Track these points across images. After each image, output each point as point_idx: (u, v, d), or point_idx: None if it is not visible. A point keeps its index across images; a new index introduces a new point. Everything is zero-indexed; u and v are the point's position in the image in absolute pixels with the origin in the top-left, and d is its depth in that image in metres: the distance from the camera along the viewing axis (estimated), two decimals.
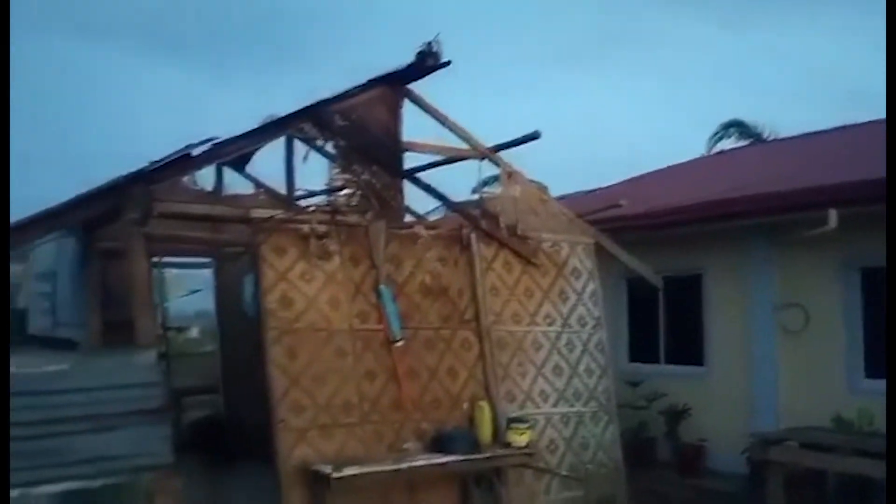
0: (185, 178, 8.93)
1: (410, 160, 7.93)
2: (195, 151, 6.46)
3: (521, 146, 7.96)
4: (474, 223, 7.82)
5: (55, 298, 8.40)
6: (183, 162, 6.48)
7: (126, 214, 6.26)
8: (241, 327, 9.31)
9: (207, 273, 11.97)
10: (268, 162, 8.69)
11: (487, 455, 6.97)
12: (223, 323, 11.12)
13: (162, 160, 6.39)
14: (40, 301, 9.06)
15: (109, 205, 6.29)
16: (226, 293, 10.63)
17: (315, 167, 8.24)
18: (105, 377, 5.78)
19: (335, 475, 6.07)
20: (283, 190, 8.95)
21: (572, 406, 8.08)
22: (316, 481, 6.31)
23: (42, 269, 8.95)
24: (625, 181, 13.40)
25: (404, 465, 6.46)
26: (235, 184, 8.97)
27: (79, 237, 7.57)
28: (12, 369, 5.42)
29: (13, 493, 5.24)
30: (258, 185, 9.31)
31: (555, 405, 7.96)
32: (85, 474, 5.53)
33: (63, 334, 7.85)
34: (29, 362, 5.54)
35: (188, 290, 18.69)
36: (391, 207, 7.44)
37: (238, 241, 6.96)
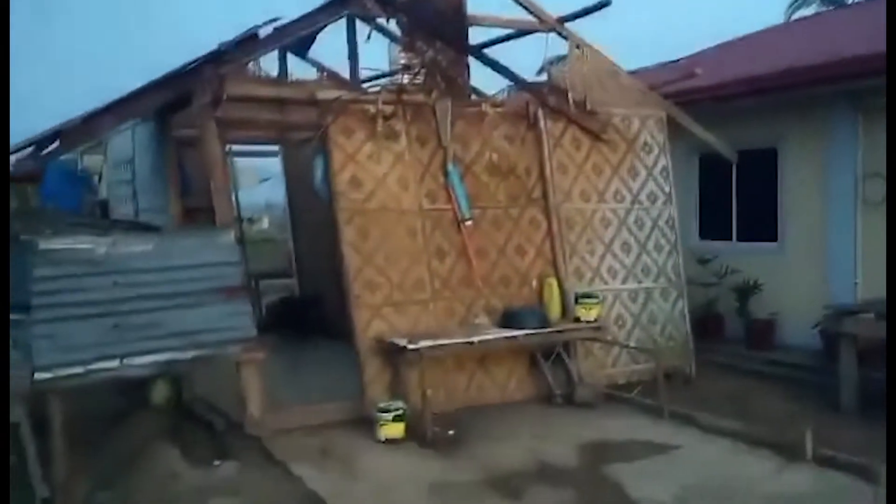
0: (251, 65, 8.99)
1: (476, 36, 7.73)
2: (261, 33, 6.45)
3: (591, 16, 7.62)
4: (542, 99, 7.65)
5: (135, 185, 8.71)
6: (250, 43, 6.46)
7: (198, 98, 6.35)
8: (311, 212, 9.52)
9: (274, 164, 12.18)
10: (329, 48, 8.58)
11: (557, 329, 7.10)
12: (293, 208, 11.38)
13: (229, 42, 6.40)
14: (120, 188, 9.42)
15: (181, 90, 6.37)
16: (295, 179, 10.82)
17: (376, 52, 8.13)
18: (189, 256, 6.05)
19: (410, 347, 6.30)
20: (346, 74, 8.88)
21: (641, 282, 8.10)
22: (391, 354, 6.58)
23: (120, 157, 9.25)
24: (699, 52, 12.76)
25: (476, 339, 6.65)
26: (298, 70, 8.91)
27: (154, 124, 7.74)
28: (104, 250, 5.74)
29: (113, 363, 5.67)
30: (321, 69, 9.24)
31: (623, 282, 8.00)
32: (177, 347, 5.89)
33: (145, 219, 8.18)
34: (118, 242, 5.81)
35: (258, 180, 19.09)
36: (457, 85, 7.33)
37: (306, 124, 6.99)
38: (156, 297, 5.86)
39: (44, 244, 5.53)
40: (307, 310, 10.56)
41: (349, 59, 8.64)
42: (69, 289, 5.58)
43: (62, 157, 7.45)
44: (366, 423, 6.29)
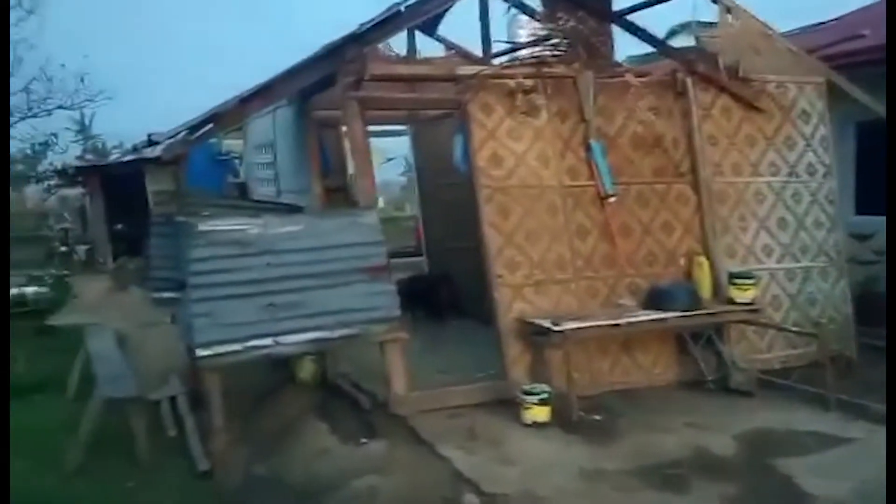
0: (380, 45, 9.02)
1: (619, 1, 7.38)
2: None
3: None
4: (690, 67, 7.22)
5: (276, 167, 8.94)
6: (392, 22, 6.40)
7: (341, 78, 6.36)
8: (443, 190, 9.46)
9: (395, 144, 12.22)
10: (453, 25, 8.41)
11: (710, 311, 6.73)
12: (423, 187, 11.37)
13: (371, 21, 6.36)
14: (260, 170, 9.69)
15: (326, 71, 6.40)
16: (426, 158, 10.79)
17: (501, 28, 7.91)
18: (336, 237, 6.09)
19: (555, 329, 6.12)
20: (472, 50, 8.70)
21: (798, 261, 7.56)
22: (535, 334, 6.42)
23: (260, 140, 9.50)
24: (862, 9, 11.67)
25: (623, 321, 6.39)
26: (426, 48, 8.82)
27: (295, 107, 7.87)
28: (256, 231, 5.87)
29: (267, 341, 5.81)
30: (450, 46, 9.11)
31: (779, 261, 7.48)
32: (325, 325, 5.98)
33: (287, 200, 8.36)
34: (269, 224, 5.92)
35: (383, 160, 19.38)
36: (600, 55, 7.02)
37: (442, 102, 6.89)
38: (305, 276, 5.94)
39: (201, 226, 5.71)
40: (437, 289, 10.53)
41: (482, 32, 8.48)
42: (225, 269, 5.74)
43: (208, 141, 7.74)
44: (509, 405, 6.17)
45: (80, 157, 22.27)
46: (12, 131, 19.10)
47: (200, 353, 5.64)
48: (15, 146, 22.56)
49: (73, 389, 7.35)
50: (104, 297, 8.64)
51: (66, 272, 9.24)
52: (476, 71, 6.69)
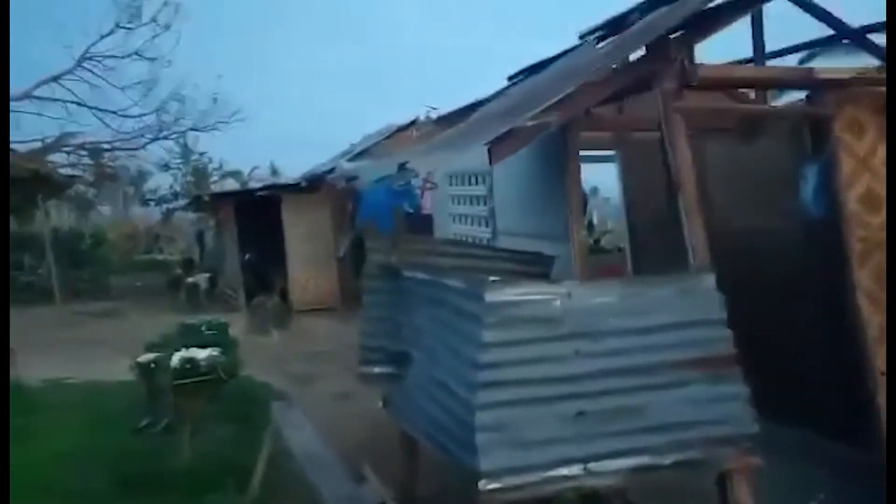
0: None
1: None
2: None
3: None
4: None
5: (492, 201, 7.10)
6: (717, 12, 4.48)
7: (660, 83, 4.46)
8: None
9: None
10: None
11: None
12: (638, 229, 9.31)
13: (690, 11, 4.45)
14: (461, 205, 7.89)
15: (637, 74, 4.51)
16: (643, 189, 8.75)
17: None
18: (662, 312, 4.14)
19: None
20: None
21: None
22: None
23: (461, 167, 7.69)
24: None
25: None
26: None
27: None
28: (559, 303, 3.97)
29: (575, 468, 3.90)
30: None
31: None
32: (652, 446, 4.01)
33: (510, 245, 6.49)
34: (575, 292, 4.01)
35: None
36: None
37: (789, 114, 4.89)
38: (625, 372, 4.01)
39: (490, 294, 3.85)
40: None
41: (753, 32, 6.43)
42: (523, 360, 3.87)
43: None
44: None
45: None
46: (143, 152, 18.36)
47: (487, 485, 3.76)
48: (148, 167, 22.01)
49: (258, 486, 5.63)
50: None
51: (224, 321, 7.54)
52: (849, 75, 4.66)
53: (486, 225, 7.24)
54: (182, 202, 24.23)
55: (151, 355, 6.06)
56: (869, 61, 5.09)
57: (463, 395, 3.94)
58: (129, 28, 18.54)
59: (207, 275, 18.97)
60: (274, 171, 33.57)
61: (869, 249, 4.59)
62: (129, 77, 18.70)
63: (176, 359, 5.89)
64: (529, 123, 3.95)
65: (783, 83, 4.81)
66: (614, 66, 4.30)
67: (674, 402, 4.06)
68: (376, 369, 5.51)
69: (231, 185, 30.32)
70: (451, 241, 6.88)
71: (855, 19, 6.11)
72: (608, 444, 3.94)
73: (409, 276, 5.12)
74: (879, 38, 5.87)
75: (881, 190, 4.65)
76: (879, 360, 4.51)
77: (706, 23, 4.47)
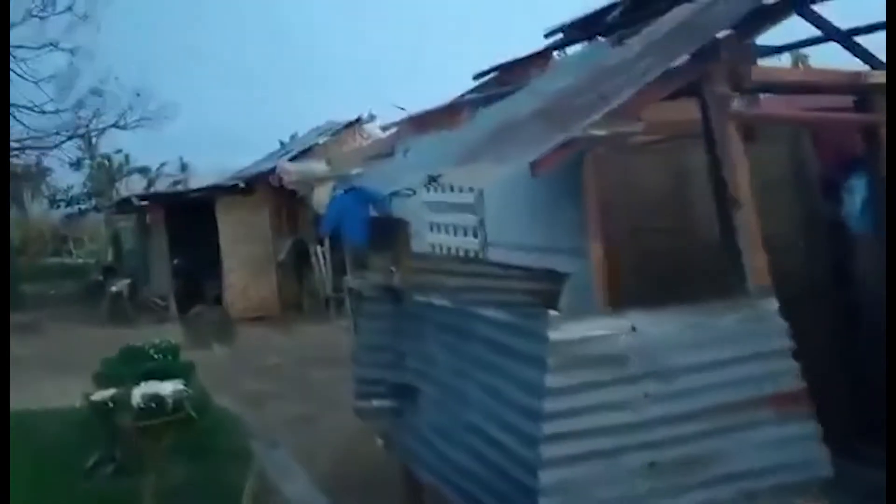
0: None
1: None
2: None
3: None
4: None
5: (481, 211, 6.54)
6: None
7: (711, 87, 3.99)
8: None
9: None
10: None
11: None
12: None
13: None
14: (440, 213, 7.29)
15: (688, 78, 4.01)
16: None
17: None
18: (730, 344, 3.68)
19: None
20: None
21: None
22: None
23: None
24: None
25: None
26: None
27: None
28: (622, 337, 3.44)
29: None
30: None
31: None
32: (721, 498, 3.55)
33: (499, 258, 5.94)
34: (641, 325, 3.48)
35: None
36: None
37: (843, 123, 4.52)
38: (694, 415, 3.53)
39: (556, 332, 3.28)
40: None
41: None
42: (591, 407, 3.33)
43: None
44: None
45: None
46: (58, 152, 16.93)
47: None
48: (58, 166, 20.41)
49: None
50: None
51: (175, 344, 6.76)
52: None
53: (475, 236, 6.68)
54: (94, 202, 22.63)
55: (107, 392, 5.21)
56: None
57: (518, 450, 3.37)
58: (41, 17, 17.03)
59: (127, 281, 17.71)
60: (183, 168, 31.88)
61: None
62: (46, 70, 17.22)
63: (137, 395, 5.09)
64: (595, 132, 3.41)
65: (831, 87, 4.43)
66: (667, 68, 3.80)
67: (744, 446, 3.60)
68: (375, 403, 4.88)
69: (137, 182, 28.65)
70: (455, 258, 6.27)
71: (843, 20, 5.89)
72: (679, 499, 3.46)
73: (419, 300, 4.50)
74: (866, 40, 5.66)
75: None
76: None
77: (758, 20, 4.04)
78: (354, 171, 8.98)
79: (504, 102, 5.04)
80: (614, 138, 3.59)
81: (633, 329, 3.48)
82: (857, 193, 4.42)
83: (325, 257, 14.18)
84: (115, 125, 17.15)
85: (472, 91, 8.32)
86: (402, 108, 8.29)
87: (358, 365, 4.92)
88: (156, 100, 19.42)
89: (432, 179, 3.81)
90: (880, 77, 4.35)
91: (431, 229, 7.44)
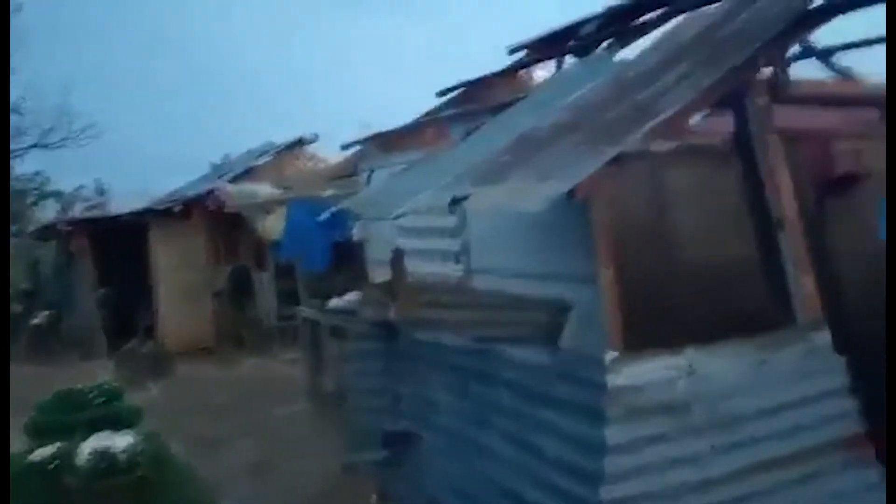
0: None
1: None
2: None
3: None
4: None
5: (466, 235, 6.02)
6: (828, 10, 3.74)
7: (751, 97, 3.63)
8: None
9: None
10: None
11: None
12: None
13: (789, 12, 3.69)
14: (414, 237, 6.74)
15: (728, 87, 3.63)
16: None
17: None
18: (791, 384, 3.28)
19: None
20: None
21: None
22: None
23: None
24: None
25: None
26: None
27: None
28: (683, 383, 2.99)
29: None
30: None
31: None
32: None
33: (493, 287, 5.43)
34: (699, 367, 3.04)
35: None
36: None
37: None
38: (764, 466, 3.11)
39: (615, 376, 2.80)
40: None
41: None
42: (654, 465, 2.85)
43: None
44: None
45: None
46: None
47: None
48: None
49: None
50: None
51: (119, 386, 6.03)
52: None
53: (456, 262, 6.15)
54: (14, 227, 21.12)
55: (48, 449, 4.44)
56: None
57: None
58: None
59: (47, 312, 16.42)
60: (101, 192, 30.24)
61: None
62: None
63: (85, 451, 4.37)
64: (646, 147, 2.98)
65: (865, 100, 4.16)
66: (713, 81, 3.41)
67: (809, 499, 3.21)
68: (367, 456, 4.30)
69: (51, 206, 26.99)
70: (451, 287, 5.72)
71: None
72: None
73: (422, 338, 3.97)
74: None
75: None
76: None
77: (798, 28, 3.71)
78: (326, 193, 8.38)
79: (504, 118, 4.59)
80: (664, 153, 3.17)
81: (692, 369, 3.04)
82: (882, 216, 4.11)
83: (269, 285, 13.40)
84: (36, 145, 15.97)
85: (440, 109, 7.87)
86: (367, 126, 7.76)
87: (349, 411, 4.34)
88: (80, 119, 18.26)
89: (457, 201, 3.29)
90: None
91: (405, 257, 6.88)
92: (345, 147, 8.50)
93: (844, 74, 5.41)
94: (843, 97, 4.08)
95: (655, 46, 4.35)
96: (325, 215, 5.82)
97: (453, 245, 6.21)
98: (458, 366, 3.70)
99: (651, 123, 3.07)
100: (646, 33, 5.91)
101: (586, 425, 2.85)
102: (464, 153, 4.40)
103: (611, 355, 2.87)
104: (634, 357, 2.95)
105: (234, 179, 14.74)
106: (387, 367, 4.19)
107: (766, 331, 3.39)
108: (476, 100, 7.78)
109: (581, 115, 3.71)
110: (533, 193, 2.90)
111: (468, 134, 5.12)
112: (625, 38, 5.97)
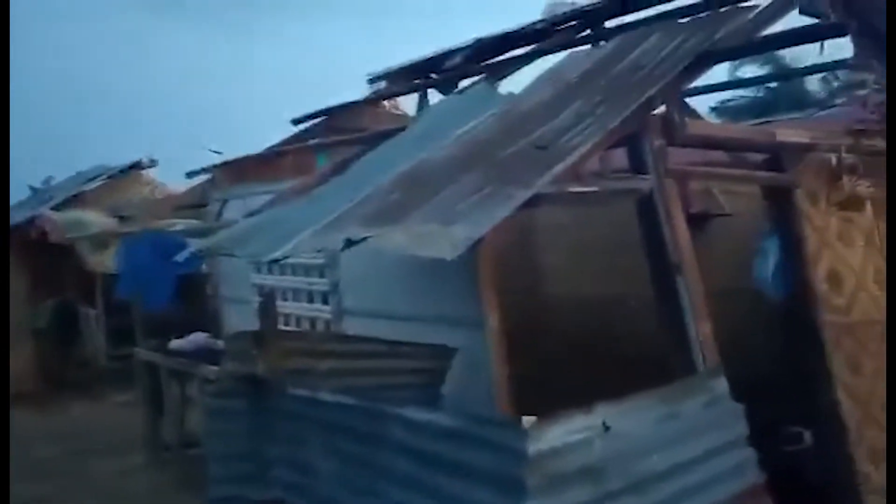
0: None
1: None
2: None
3: None
4: None
5: (336, 273, 5.61)
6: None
7: (649, 139, 3.53)
8: None
9: None
10: None
11: None
12: None
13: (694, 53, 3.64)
14: (274, 275, 6.24)
15: (627, 130, 3.50)
16: None
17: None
18: (696, 435, 3.14)
19: None
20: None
21: None
22: None
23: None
24: None
25: None
26: None
27: None
28: (597, 441, 2.74)
29: None
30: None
31: None
32: None
33: (362, 329, 5.06)
34: (604, 422, 2.80)
35: None
36: None
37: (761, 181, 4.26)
38: None
39: (536, 442, 2.50)
40: None
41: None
42: None
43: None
44: None
45: None
46: None
47: None
48: None
49: None
50: None
51: None
52: (807, 140, 4.17)
53: (325, 302, 5.72)
54: None
55: None
56: None
57: None
58: None
59: None
60: None
61: (837, 335, 4.08)
62: None
63: None
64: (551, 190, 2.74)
65: (752, 145, 4.20)
66: (619, 121, 3.26)
67: None
68: None
69: None
70: (334, 335, 5.22)
71: None
72: None
73: (296, 394, 3.51)
74: None
75: (842, 268, 4.21)
76: (860, 461, 3.98)
77: (694, 68, 3.66)
78: (173, 225, 7.61)
79: (383, 150, 4.26)
80: (567, 196, 2.95)
81: (606, 427, 2.81)
82: (770, 256, 4.16)
83: (98, 322, 12.19)
84: None
85: (300, 136, 7.44)
86: (218, 153, 7.18)
87: (210, 482, 3.77)
88: None
89: (352, 243, 2.90)
90: (792, 135, 4.18)
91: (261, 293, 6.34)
92: (190, 174, 7.85)
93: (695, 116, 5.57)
94: (730, 140, 4.10)
95: (545, 81, 4.20)
96: (182, 255, 5.20)
97: (322, 285, 5.79)
98: (339, 425, 3.28)
99: (561, 165, 2.85)
100: (517, 68, 5.81)
101: (502, 497, 2.54)
102: (342, 187, 4.01)
103: (528, 419, 2.57)
104: (550, 419, 2.68)
105: (60, 206, 13.37)
106: (253, 428, 3.68)
107: (668, 381, 3.25)
108: (339, 129, 7.42)
109: (472, 152, 3.45)
110: (441, 239, 2.58)
111: (341, 165, 4.73)
112: (496, 73, 5.85)
